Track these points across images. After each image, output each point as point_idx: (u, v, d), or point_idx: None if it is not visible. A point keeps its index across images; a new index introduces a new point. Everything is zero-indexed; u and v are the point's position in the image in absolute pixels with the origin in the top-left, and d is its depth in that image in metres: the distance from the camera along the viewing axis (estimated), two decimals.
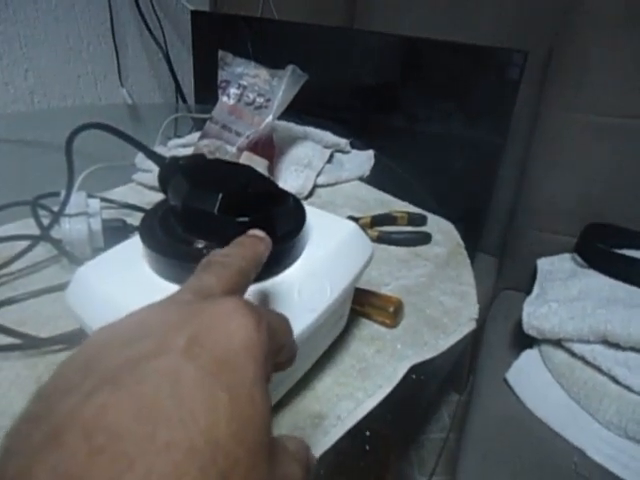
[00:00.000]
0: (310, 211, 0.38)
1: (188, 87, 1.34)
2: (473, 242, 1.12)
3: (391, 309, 0.45)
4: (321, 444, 0.35)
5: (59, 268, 0.53)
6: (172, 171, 0.34)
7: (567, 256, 0.91)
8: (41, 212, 0.56)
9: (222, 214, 0.30)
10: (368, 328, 0.46)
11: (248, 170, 0.35)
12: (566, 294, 0.79)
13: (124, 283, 0.32)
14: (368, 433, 0.37)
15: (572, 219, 0.92)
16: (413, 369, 0.42)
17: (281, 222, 0.34)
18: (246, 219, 0.31)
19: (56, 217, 0.51)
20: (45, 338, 0.41)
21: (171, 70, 1.26)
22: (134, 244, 0.34)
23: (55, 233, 0.52)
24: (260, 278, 0.32)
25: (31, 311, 0.46)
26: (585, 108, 0.88)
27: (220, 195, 0.30)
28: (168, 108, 1.26)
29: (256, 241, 0.24)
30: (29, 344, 0.40)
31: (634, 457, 0.65)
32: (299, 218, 0.36)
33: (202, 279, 0.20)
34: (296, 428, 0.36)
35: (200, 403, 0.13)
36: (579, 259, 0.87)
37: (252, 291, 0.32)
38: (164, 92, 1.35)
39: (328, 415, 0.37)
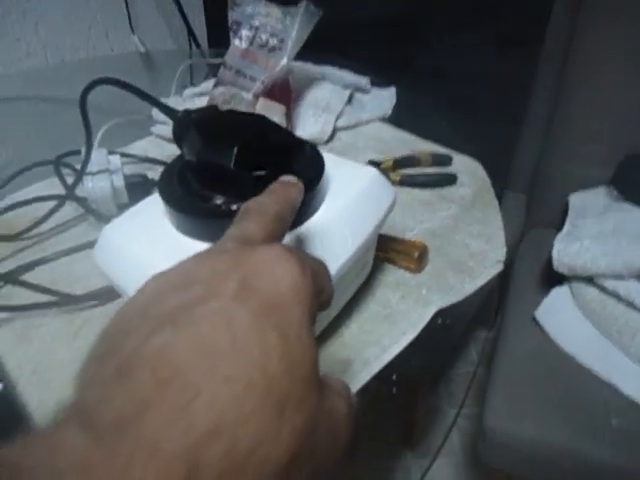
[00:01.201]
0: (329, 159, 0.37)
1: (200, 30, 1.29)
2: (501, 179, 1.09)
3: (415, 254, 0.45)
4: None
5: (87, 226, 0.54)
6: (185, 125, 0.33)
7: (601, 190, 0.87)
8: (65, 170, 0.57)
9: (238, 169, 0.30)
10: (393, 274, 0.46)
11: (262, 120, 0.34)
12: (599, 230, 0.76)
13: (147, 241, 0.32)
14: (395, 377, 0.38)
15: (607, 151, 0.87)
16: (438, 313, 0.42)
17: (299, 173, 0.33)
18: (263, 173, 0.30)
19: (79, 176, 0.52)
20: (79, 295, 0.42)
21: (182, 14, 1.21)
22: (155, 200, 0.34)
23: (80, 191, 0.53)
24: None
25: (63, 269, 0.48)
26: (622, 32, 0.81)
27: (235, 149, 0.29)
28: (182, 54, 1.22)
29: (288, 187, 0.24)
30: (64, 301, 0.42)
31: None
32: (317, 167, 0.35)
33: (242, 227, 0.20)
34: (324, 374, 0.37)
35: (253, 342, 0.14)
36: (614, 192, 0.83)
37: None
38: (176, 37, 1.30)
39: (355, 360, 0.38)
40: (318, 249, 0.33)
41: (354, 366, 0.38)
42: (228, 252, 0.18)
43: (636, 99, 0.84)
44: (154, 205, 0.34)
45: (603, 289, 0.70)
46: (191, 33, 1.25)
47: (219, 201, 0.31)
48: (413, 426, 1.12)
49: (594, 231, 0.76)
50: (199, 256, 0.18)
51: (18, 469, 0.11)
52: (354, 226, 0.35)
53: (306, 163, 0.34)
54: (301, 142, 0.35)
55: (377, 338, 0.40)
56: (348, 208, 0.35)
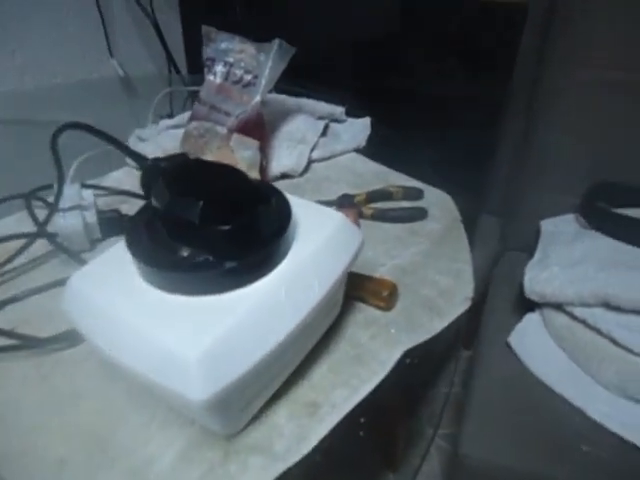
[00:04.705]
0: (296, 203, 0.38)
1: (180, 55, 1.30)
2: (477, 204, 1.11)
3: (385, 293, 0.46)
4: (317, 432, 0.37)
5: (59, 262, 0.53)
6: (154, 175, 0.34)
7: (571, 217, 0.89)
8: (38, 203, 0.57)
9: (204, 223, 0.30)
10: (363, 312, 0.47)
11: (229, 171, 0.35)
12: (569, 257, 0.78)
13: (113, 292, 0.33)
14: (363, 420, 0.38)
15: (577, 177, 0.90)
16: (407, 352, 0.43)
17: (265, 224, 0.34)
18: (228, 227, 0.31)
19: (50, 213, 0.52)
20: (45, 338, 0.42)
21: (160, 38, 1.22)
22: (123, 248, 0.34)
23: (51, 227, 0.52)
24: (247, 282, 0.33)
25: (35, 308, 0.47)
26: (589, 62, 0.84)
27: (200, 204, 0.30)
28: (162, 79, 1.23)
29: None
30: (30, 344, 0.42)
31: (632, 415, 0.66)
32: (284, 216, 0.36)
33: None
34: (292, 418, 0.38)
35: None
36: (582, 220, 0.85)
37: (237, 296, 0.32)
38: (155, 61, 1.31)
39: (323, 404, 0.38)
40: (283, 299, 0.33)
41: (322, 409, 0.38)
42: None
43: (604, 127, 0.87)
44: (121, 253, 0.34)
45: (572, 316, 0.72)
46: (170, 57, 1.26)
47: (185, 253, 0.32)
48: (394, 450, 1.12)
49: (563, 258, 0.78)
50: None
51: None
52: (321, 273, 0.36)
53: (273, 213, 0.35)
54: (268, 191, 0.36)
55: (346, 379, 0.40)
56: (315, 255, 0.36)
